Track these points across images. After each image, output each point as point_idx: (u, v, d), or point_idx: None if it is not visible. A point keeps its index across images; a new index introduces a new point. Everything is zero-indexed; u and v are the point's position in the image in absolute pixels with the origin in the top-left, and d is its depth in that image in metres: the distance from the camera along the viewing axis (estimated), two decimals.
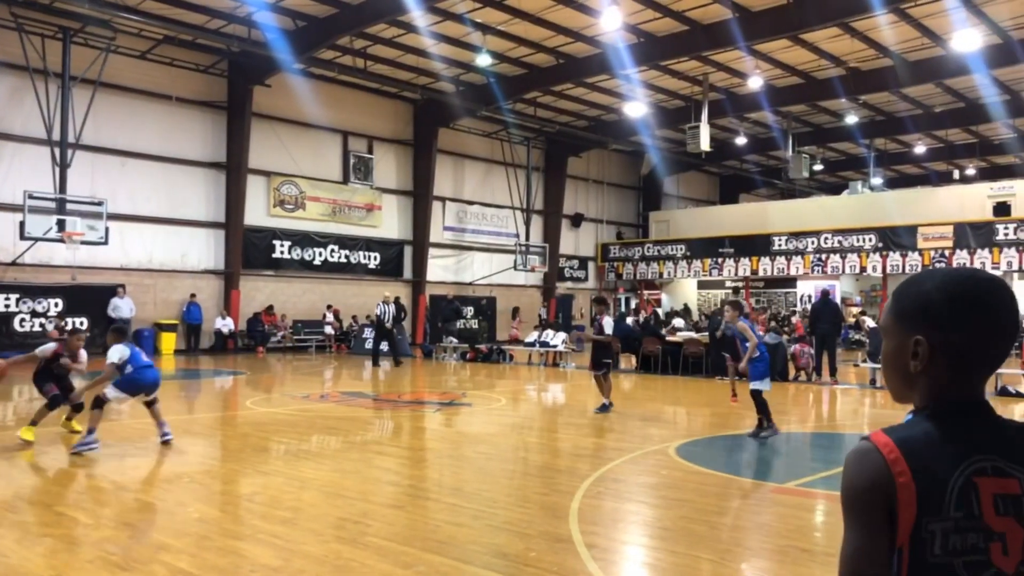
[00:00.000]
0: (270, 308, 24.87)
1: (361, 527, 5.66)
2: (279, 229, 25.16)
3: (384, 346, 21.31)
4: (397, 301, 21.86)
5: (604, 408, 11.82)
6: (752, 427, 9.66)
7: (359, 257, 27.13)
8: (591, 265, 35.56)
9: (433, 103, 27.12)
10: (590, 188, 35.47)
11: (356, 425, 10.69)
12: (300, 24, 20.95)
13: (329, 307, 25.96)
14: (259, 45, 21.44)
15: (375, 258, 27.59)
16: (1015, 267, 24.65)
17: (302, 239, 25.64)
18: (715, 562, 5.10)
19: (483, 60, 22.13)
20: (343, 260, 26.72)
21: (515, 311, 28.92)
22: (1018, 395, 14.08)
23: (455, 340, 23.91)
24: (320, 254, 26.09)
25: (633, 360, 20.62)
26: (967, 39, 19.79)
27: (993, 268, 25.18)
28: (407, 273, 28.56)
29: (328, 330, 25.66)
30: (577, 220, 34.61)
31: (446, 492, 7.01)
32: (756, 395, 9.60)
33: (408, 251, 28.59)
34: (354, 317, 26.48)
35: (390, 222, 28.16)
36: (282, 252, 25.21)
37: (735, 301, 11.06)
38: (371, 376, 18.85)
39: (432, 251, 28.90)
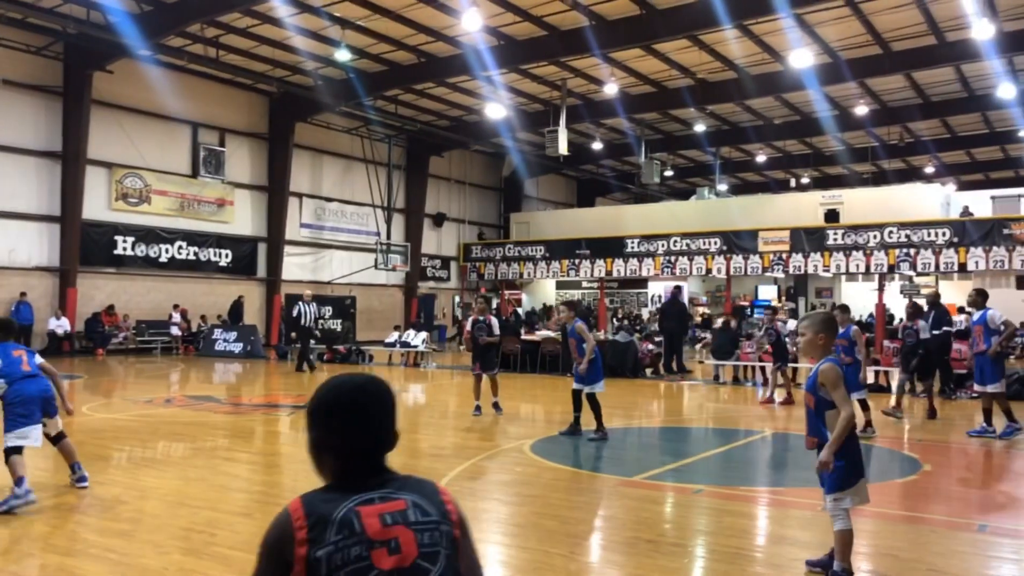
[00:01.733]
0: (111, 308, 23.40)
1: (205, 537, 5.43)
2: (121, 224, 23.70)
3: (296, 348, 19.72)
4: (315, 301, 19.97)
5: (497, 408, 11.70)
6: (592, 428, 9.69)
7: (209, 254, 25.95)
8: (453, 265, 35.62)
9: (290, 96, 26.34)
10: (452, 188, 35.53)
11: (203, 430, 10.23)
12: (146, 8, 19.81)
13: (176, 307, 24.72)
14: (99, 28, 20.11)
15: (226, 255, 26.48)
16: (842, 269, 26.64)
17: (147, 235, 24.25)
18: (565, 556, 5.23)
19: (342, 55, 21.71)
20: (192, 257, 25.47)
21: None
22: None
23: (312, 341, 23.28)
24: (167, 251, 24.76)
25: None
26: (801, 57, 21.26)
27: (824, 271, 27.15)
28: (261, 271, 27.61)
29: (175, 331, 24.44)
30: (439, 220, 34.59)
31: None
32: (592, 398, 9.70)
33: (262, 248, 27.63)
34: (203, 317, 25.34)
35: (243, 218, 27.11)
36: (125, 248, 23.75)
37: (570, 301, 11.14)
38: (222, 379, 18.12)
39: (288, 249, 28.07)
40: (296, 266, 28.70)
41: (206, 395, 14.14)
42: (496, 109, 26.72)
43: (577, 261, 31.60)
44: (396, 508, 1.69)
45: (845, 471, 4.47)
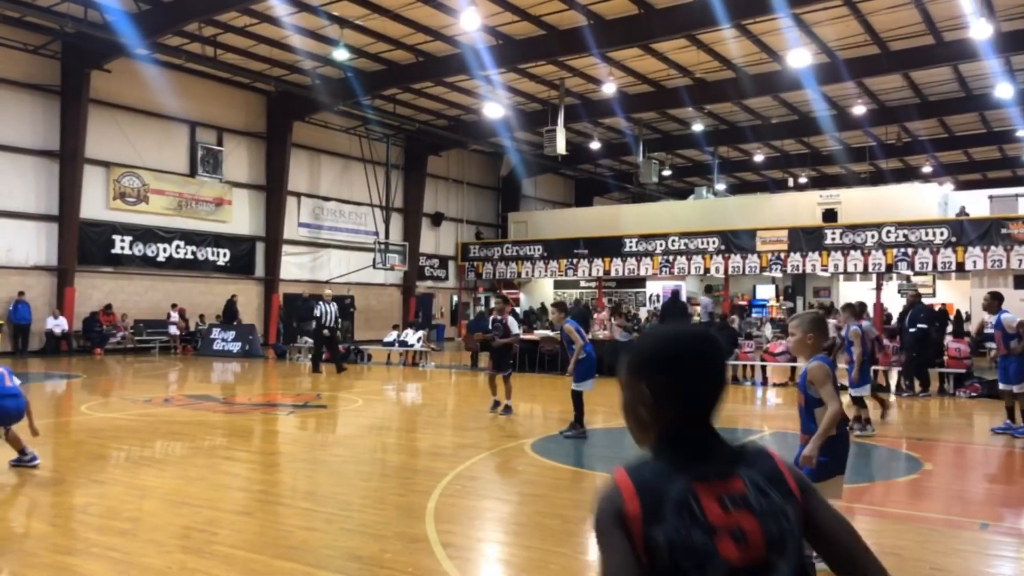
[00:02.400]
0: (108, 307, 23.37)
1: (207, 536, 5.42)
2: (119, 223, 23.67)
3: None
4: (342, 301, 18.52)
5: (508, 410, 11.51)
6: (569, 426, 9.83)
7: (207, 254, 25.92)
8: (451, 264, 35.61)
9: (288, 95, 26.31)
10: (450, 187, 35.52)
11: (202, 430, 10.21)
12: (144, 7, 19.78)
13: (174, 306, 24.68)
14: (97, 27, 20.08)
15: (224, 255, 26.45)
16: (840, 269, 26.67)
17: (145, 234, 24.22)
18: (568, 556, 5.23)
19: (340, 54, 21.69)
20: (189, 257, 25.43)
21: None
22: (843, 387, 15.23)
23: (310, 340, 23.28)
24: (164, 250, 24.72)
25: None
26: (799, 57, 21.25)
27: (822, 271, 27.17)
28: (259, 271, 27.58)
29: (173, 330, 24.39)
30: (437, 219, 34.58)
31: (299, 496, 6.83)
32: (577, 396, 9.73)
33: (260, 248, 27.60)
34: (201, 316, 25.32)
35: (241, 217, 27.09)
36: (122, 248, 23.71)
37: (560, 302, 11.09)
38: (220, 378, 18.10)
39: (286, 248, 28.04)
40: (294, 265, 28.68)
41: (205, 394, 14.12)
42: (494, 108, 26.70)
43: (575, 260, 31.61)
44: (735, 490, 1.50)
45: (826, 466, 4.58)
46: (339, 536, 5.49)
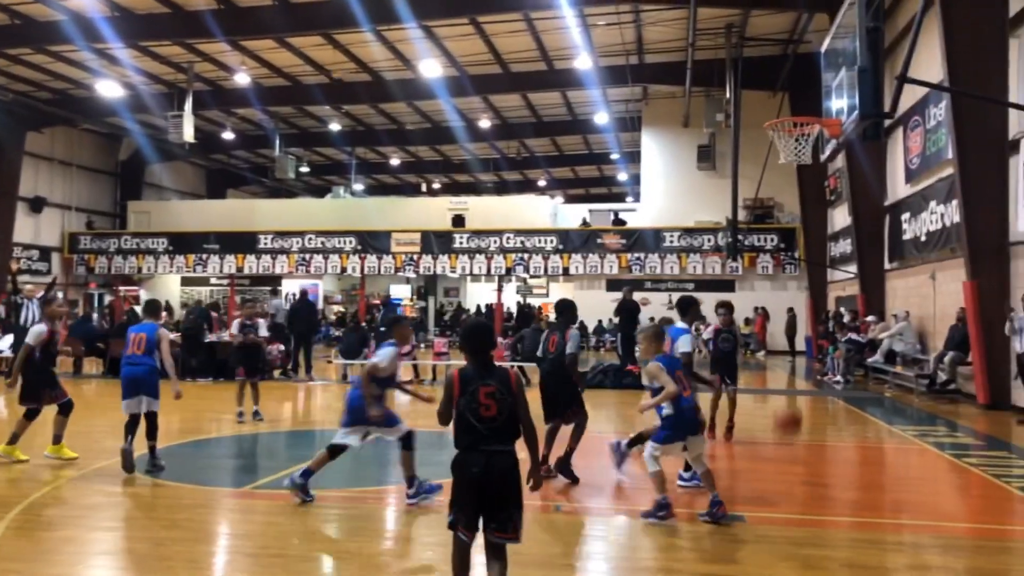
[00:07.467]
0: None
1: None
2: None
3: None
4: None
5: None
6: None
7: None
8: (56, 256, 31.41)
9: None
10: (55, 169, 31.27)
11: None
12: None
13: None
14: None
15: None
16: (468, 271, 28.53)
17: None
18: None
19: None
20: None
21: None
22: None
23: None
24: None
25: (101, 364, 18.84)
26: (431, 67, 22.26)
27: (451, 272, 28.82)
28: None
29: None
30: (37, 204, 30.23)
31: None
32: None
33: None
34: None
35: None
36: None
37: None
38: None
39: None
40: None
41: None
42: (110, 86, 24.14)
43: (205, 256, 29.89)
44: (491, 387, 3.87)
45: (669, 436, 6.09)
46: None
